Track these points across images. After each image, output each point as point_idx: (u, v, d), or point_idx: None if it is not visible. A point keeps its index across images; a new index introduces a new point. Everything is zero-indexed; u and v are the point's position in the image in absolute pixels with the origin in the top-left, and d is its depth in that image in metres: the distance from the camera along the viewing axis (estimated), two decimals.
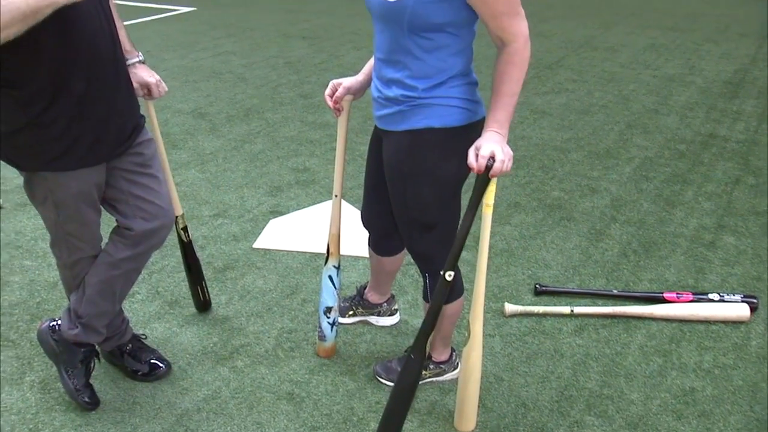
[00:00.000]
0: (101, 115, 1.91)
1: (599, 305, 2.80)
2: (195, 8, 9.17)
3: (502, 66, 1.78)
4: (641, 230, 3.41)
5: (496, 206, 3.57)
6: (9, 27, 1.58)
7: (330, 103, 2.16)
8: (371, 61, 2.09)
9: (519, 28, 1.75)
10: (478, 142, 1.77)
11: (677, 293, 2.82)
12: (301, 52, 6.79)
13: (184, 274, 2.82)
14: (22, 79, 1.79)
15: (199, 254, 2.69)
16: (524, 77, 1.80)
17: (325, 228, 3.14)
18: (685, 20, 8.32)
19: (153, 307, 2.80)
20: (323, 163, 4.17)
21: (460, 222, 1.85)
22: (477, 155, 1.75)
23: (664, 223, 3.47)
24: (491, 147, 1.73)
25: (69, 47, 1.79)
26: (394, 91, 1.86)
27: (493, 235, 3.31)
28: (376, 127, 2.06)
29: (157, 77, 2.19)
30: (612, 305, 2.79)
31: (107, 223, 2.14)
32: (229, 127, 4.78)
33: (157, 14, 8.66)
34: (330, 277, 2.37)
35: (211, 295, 2.78)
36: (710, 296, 2.78)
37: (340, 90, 2.12)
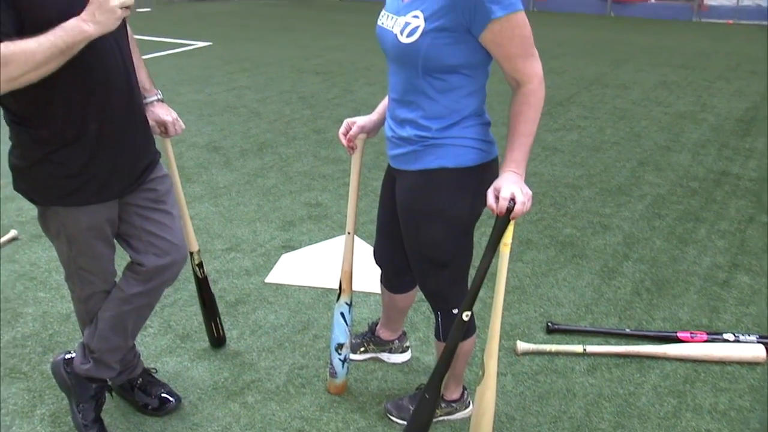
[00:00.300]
0: (115, 153, 1.94)
1: (612, 344, 2.78)
2: (211, 43, 9.32)
3: (517, 106, 1.80)
4: (654, 268, 3.39)
5: None
6: (47, 64, 1.63)
7: (344, 141, 2.18)
8: (385, 100, 2.12)
9: (533, 69, 1.77)
10: (497, 183, 1.77)
11: (691, 333, 2.79)
12: (314, 87, 6.87)
13: (196, 308, 2.83)
14: (38, 116, 1.83)
15: (211, 288, 2.70)
16: (539, 117, 1.82)
17: (337, 263, 3.15)
18: (696, 58, 8.37)
19: (165, 340, 2.81)
20: (336, 198, 4.19)
21: (479, 262, 1.84)
22: (497, 197, 1.75)
23: (677, 262, 3.46)
24: (511, 188, 1.73)
25: (84, 86, 1.82)
26: (408, 131, 1.88)
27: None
28: (389, 165, 2.08)
29: (175, 115, 2.23)
30: (625, 344, 2.76)
31: (124, 257, 2.16)
32: (243, 161, 4.83)
33: (174, 49, 8.81)
34: (342, 314, 2.37)
35: (223, 328, 2.78)
36: (725, 336, 2.76)
37: (354, 128, 2.15)
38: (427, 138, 1.85)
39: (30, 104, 1.79)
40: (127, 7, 1.69)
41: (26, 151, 1.88)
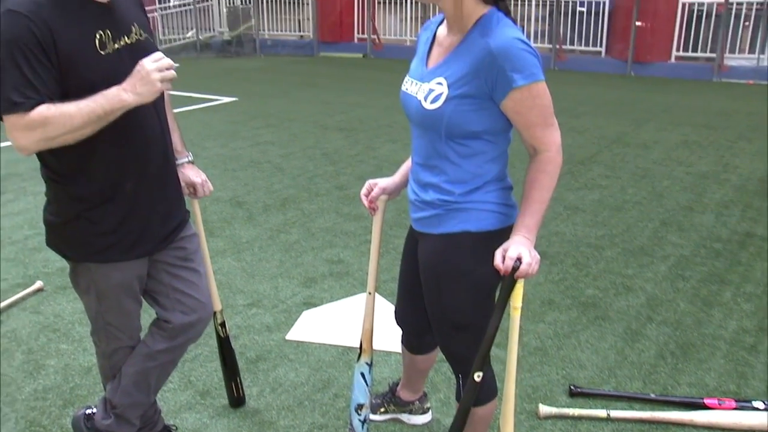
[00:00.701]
0: (148, 212, 1.98)
1: (637, 409, 2.73)
2: (236, 98, 9.53)
3: (534, 173, 1.82)
4: (678, 331, 3.35)
5: (529, 303, 3.56)
6: (84, 128, 1.69)
7: (365, 202, 2.21)
8: (407, 163, 2.15)
9: (552, 137, 1.81)
10: (505, 245, 1.80)
11: (719, 400, 2.74)
12: (337, 144, 6.97)
13: (216, 364, 2.83)
14: (76, 174, 1.88)
15: (232, 344, 2.71)
16: (555, 184, 1.84)
17: (357, 321, 3.14)
18: (717, 118, 8.39)
19: (184, 396, 2.80)
20: (357, 255, 4.21)
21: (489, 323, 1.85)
22: (504, 257, 1.77)
23: (702, 325, 3.41)
24: (518, 249, 1.76)
25: (122, 147, 1.88)
26: (431, 195, 1.91)
27: (526, 332, 3.29)
28: (411, 227, 2.10)
29: (204, 177, 2.28)
30: (650, 410, 2.71)
31: (149, 313, 2.19)
32: (266, 217, 4.89)
33: (200, 104, 9.01)
34: (362, 374, 2.36)
35: (243, 387, 2.78)
36: (755, 404, 2.70)
37: (376, 190, 2.18)
38: (450, 202, 1.88)
39: (68, 162, 1.85)
40: (168, 80, 1.76)
41: (62, 207, 1.93)
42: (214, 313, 2.51)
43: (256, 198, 5.29)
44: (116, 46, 1.83)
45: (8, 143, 7.02)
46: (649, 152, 6.72)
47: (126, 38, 1.86)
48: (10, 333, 3.32)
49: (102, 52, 1.79)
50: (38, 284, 3.77)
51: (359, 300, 3.58)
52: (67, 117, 1.67)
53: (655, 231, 4.66)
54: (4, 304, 3.56)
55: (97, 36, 1.78)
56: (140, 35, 1.91)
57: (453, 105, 1.77)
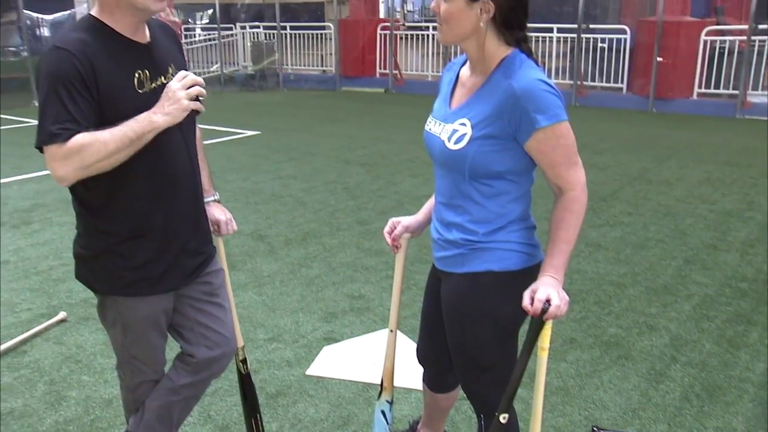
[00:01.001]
0: (177, 247, 2.01)
1: None
2: (259, 132, 9.64)
3: (559, 213, 1.83)
4: (704, 373, 3.29)
5: (550, 341, 3.52)
6: (118, 153, 1.74)
7: (388, 239, 2.22)
8: (431, 201, 2.17)
9: (576, 176, 1.82)
10: (534, 285, 1.79)
11: None
12: (358, 178, 7.01)
13: (236, 398, 2.83)
14: (106, 208, 1.92)
15: (253, 379, 2.71)
16: (581, 223, 1.84)
17: (378, 358, 3.14)
18: (741, 155, 8.33)
19: (204, 431, 2.80)
20: (378, 290, 4.21)
21: (516, 364, 1.84)
22: (532, 298, 1.76)
23: (728, 366, 3.35)
24: (547, 291, 1.75)
25: (152, 182, 1.92)
26: (454, 235, 1.92)
27: (548, 371, 3.25)
28: (434, 266, 2.10)
29: (229, 216, 2.31)
30: None
31: (172, 347, 2.20)
32: (287, 251, 4.91)
33: (223, 137, 9.13)
34: (383, 412, 2.35)
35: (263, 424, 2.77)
36: None
37: (399, 228, 2.19)
38: (474, 242, 1.88)
39: (99, 195, 1.89)
40: (196, 99, 1.80)
41: (91, 241, 1.97)
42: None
43: (278, 232, 5.33)
44: (153, 85, 1.89)
45: (36, 174, 7.18)
46: (672, 189, 6.68)
47: (162, 78, 1.92)
48: (33, 363, 3.35)
49: (139, 91, 1.86)
50: (62, 315, 3.81)
51: (380, 336, 3.57)
52: (102, 143, 1.72)
53: (679, 269, 4.61)
54: (28, 334, 3.60)
55: (136, 75, 1.86)
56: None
57: (476, 146, 1.79)
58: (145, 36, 1.93)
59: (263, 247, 4.99)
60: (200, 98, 1.82)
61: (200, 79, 1.82)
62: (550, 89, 1.73)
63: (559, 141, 1.76)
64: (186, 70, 2.03)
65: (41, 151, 1.78)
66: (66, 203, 6.04)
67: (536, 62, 1.83)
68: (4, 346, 3.47)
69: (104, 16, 1.85)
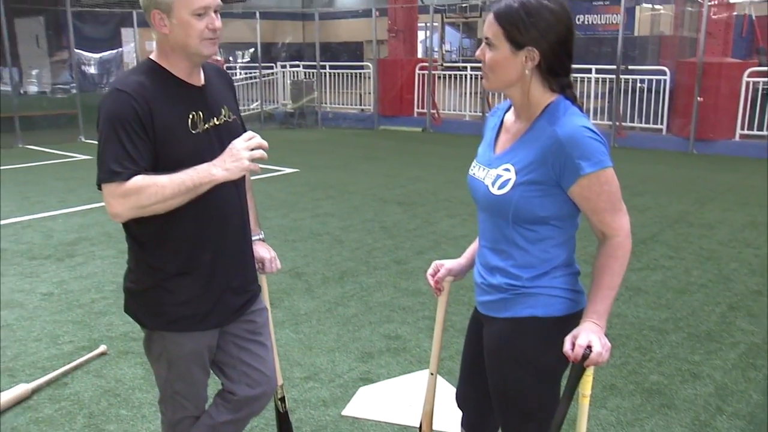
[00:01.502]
0: (224, 285, 2.05)
1: None
2: (298, 170, 9.77)
3: (603, 259, 1.82)
4: (752, 425, 3.19)
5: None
6: (173, 199, 1.80)
7: (431, 282, 2.22)
8: (474, 245, 2.17)
9: (620, 222, 1.81)
10: (575, 331, 1.78)
11: None
12: (396, 218, 7.03)
13: None
14: (157, 244, 1.98)
15: (289, 417, 2.70)
16: (625, 270, 1.83)
17: (415, 400, 3.11)
18: None
19: None
20: (415, 331, 4.18)
21: (557, 410, 1.82)
22: (573, 344, 1.75)
23: None
24: (589, 337, 1.73)
25: (202, 220, 1.97)
26: (497, 279, 1.91)
27: (587, 419, 3.18)
28: (476, 309, 2.10)
29: (273, 254, 2.35)
30: None
31: (212, 384, 2.21)
32: (324, 289, 4.93)
33: (263, 174, 9.26)
34: None
35: None
36: None
37: (442, 271, 2.20)
38: (518, 287, 1.88)
39: (150, 231, 1.95)
40: (256, 159, 1.86)
41: (141, 276, 2.02)
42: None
43: (315, 269, 5.36)
44: (206, 126, 1.98)
45: (81, 207, 7.36)
46: (714, 233, 6.56)
47: (215, 119, 2.01)
48: (73, 396, 3.40)
49: (193, 131, 1.94)
50: (102, 348, 3.87)
51: (417, 377, 3.54)
52: (159, 187, 1.79)
53: (723, 316, 4.50)
54: (68, 366, 3.66)
55: (190, 116, 1.94)
56: (229, 117, 2.07)
57: (520, 191, 1.80)
58: (199, 79, 2.03)
59: (301, 284, 5.01)
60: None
61: (265, 143, 1.89)
62: (594, 136, 1.74)
63: (603, 187, 1.76)
64: (239, 112, 2.11)
65: (100, 188, 1.85)
66: (108, 237, 6.18)
67: (581, 108, 1.84)
68: (45, 378, 3.53)
69: (162, 60, 1.96)
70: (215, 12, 1.93)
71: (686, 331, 4.25)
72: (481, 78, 1.87)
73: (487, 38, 1.81)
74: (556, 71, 1.80)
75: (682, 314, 4.52)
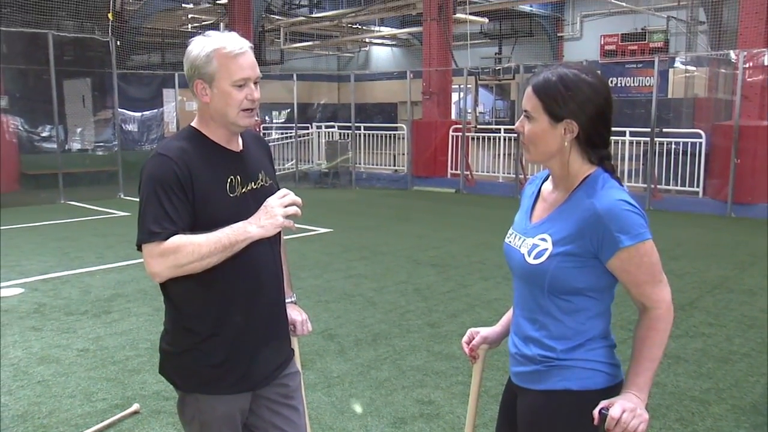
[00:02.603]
0: (257, 348, 2.07)
1: None
2: (332, 230, 9.83)
3: (644, 331, 1.80)
4: None
5: None
6: (210, 257, 1.86)
7: (466, 349, 2.21)
8: (509, 313, 2.15)
9: (661, 294, 1.80)
10: (613, 399, 1.75)
11: None
12: (429, 279, 7.01)
13: None
14: (190, 306, 2.01)
15: None
16: (666, 342, 1.80)
17: None
18: None
19: None
20: (448, 396, 4.12)
21: None
22: (600, 409, 1.73)
23: None
24: (624, 406, 1.71)
25: (235, 283, 2.00)
26: (532, 350, 1.90)
27: None
28: (510, 380, 2.07)
29: (305, 317, 2.37)
30: None
31: None
32: (357, 351, 4.90)
33: (297, 234, 9.34)
34: None
35: None
36: None
37: (477, 339, 2.18)
38: (552, 359, 1.86)
39: (186, 293, 1.99)
40: (290, 216, 1.91)
41: (177, 338, 2.05)
42: None
43: (348, 331, 5.34)
44: (243, 190, 2.05)
45: (118, 264, 7.49)
46: (756, 299, 6.40)
47: (253, 184, 2.08)
48: None
49: (231, 195, 2.01)
50: (135, 407, 3.87)
51: None
52: (196, 245, 1.84)
53: None
54: (101, 425, 3.67)
55: (228, 180, 2.01)
56: (265, 182, 2.14)
57: (557, 261, 1.80)
58: (238, 145, 2.11)
59: (333, 346, 4.99)
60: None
61: (299, 199, 1.95)
62: (632, 209, 1.75)
63: (643, 260, 1.75)
64: (275, 177, 2.17)
65: (139, 249, 1.90)
66: (144, 294, 6.25)
67: (619, 181, 1.86)
68: None
69: (202, 127, 2.06)
70: (255, 83, 2.01)
71: (730, 403, 4.11)
72: (515, 140, 1.89)
73: (526, 111, 1.84)
74: (594, 143, 1.82)
75: (725, 384, 4.39)
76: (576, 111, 1.78)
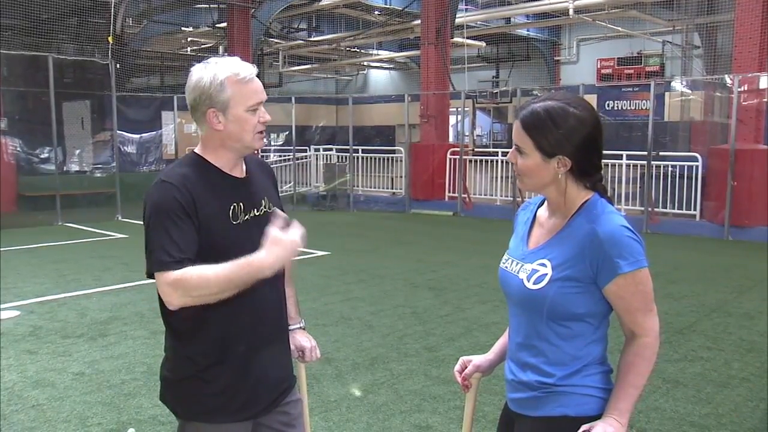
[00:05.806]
0: (258, 376, 2.06)
1: None
2: (329, 252, 9.82)
3: (630, 357, 1.82)
4: None
5: None
6: (221, 293, 1.84)
7: (458, 378, 2.20)
8: (502, 340, 2.15)
9: (651, 323, 1.83)
10: (593, 423, 1.76)
11: None
12: (427, 303, 6.99)
13: None
14: (191, 335, 2.01)
15: None
16: (650, 371, 1.83)
17: None
18: None
19: None
20: (446, 421, 4.09)
21: None
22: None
23: None
24: (603, 429, 1.72)
25: (236, 312, 2.00)
26: (529, 376, 1.89)
27: None
28: (506, 406, 2.06)
29: (314, 343, 2.36)
30: None
31: None
32: (354, 375, 4.87)
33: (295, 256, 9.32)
34: None
35: None
36: None
37: (470, 368, 2.18)
38: (549, 385, 1.86)
39: (187, 321, 1.98)
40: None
41: (177, 365, 2.04)
42: None
43: (345, 355, 5.31)
44: (246, 217, 2.05)
45: (115, 286, 7.47)
46: (755, 323, 6.38)
47: (255, 210, 2.09)
48: None
49: (233, 222, 2.02)
50: (131, 431, 3.84)
51: None
52: (204, 280, 1.83)
53: None
54: None
55: (232, 207, 2.02)
56: (269, 208, 2.14)
57: (557, 287, 1.80)
58: (242, 171, 2.12)
59: (330, 370, 4.97)
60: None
61: (303, 229, 1.97)
62: (632, 235, 1.78)
63: (638, 287, 1.77)
64: (280, 203, 2.17)
65: (151, 276, 1.91)
66: (141, 317, 6.22)
67: (611, 202, 1.87)
68: None
69: (207, 154, 2.06)
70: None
71: (729, 429, 4.08)
72: (512, 163, 1.90)
73: (517, 146, 1.86)
74: (588, 172, 1.84)
75: (725, 410, 4.37)
76: (567, 147, 1.80)
